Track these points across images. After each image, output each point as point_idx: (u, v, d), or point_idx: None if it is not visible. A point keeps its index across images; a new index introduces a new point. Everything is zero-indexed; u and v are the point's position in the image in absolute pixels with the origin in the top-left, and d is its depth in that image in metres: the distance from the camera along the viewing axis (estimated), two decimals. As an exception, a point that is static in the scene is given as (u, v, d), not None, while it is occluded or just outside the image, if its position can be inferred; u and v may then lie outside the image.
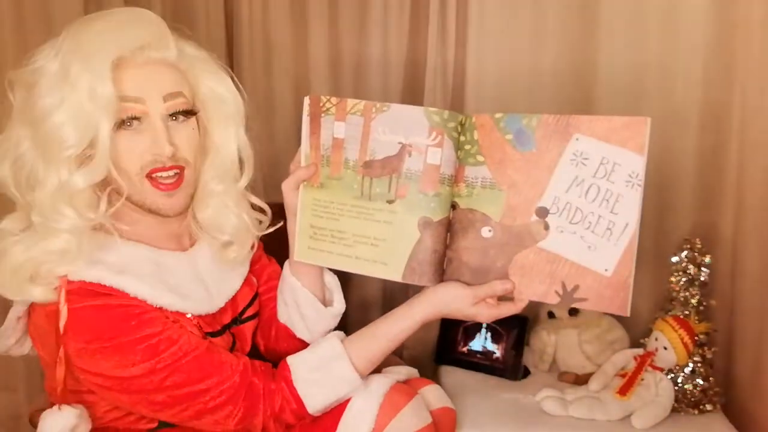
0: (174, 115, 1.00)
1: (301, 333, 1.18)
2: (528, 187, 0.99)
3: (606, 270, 0.96)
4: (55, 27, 1.67)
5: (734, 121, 1.62)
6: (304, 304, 1.16)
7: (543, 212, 0.99)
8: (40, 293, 0.96)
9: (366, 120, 1.04)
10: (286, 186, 1.11)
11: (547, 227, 0.99)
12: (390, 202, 1.04)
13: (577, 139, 0.97)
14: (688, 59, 1.69)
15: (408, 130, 1.01)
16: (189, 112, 1.03)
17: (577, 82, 1.79)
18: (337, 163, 1.07)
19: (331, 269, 1.19)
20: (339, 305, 1.19)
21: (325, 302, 1.19)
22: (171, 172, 1.00)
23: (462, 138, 1.02)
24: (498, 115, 1.01)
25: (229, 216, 1.12)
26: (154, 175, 0.99)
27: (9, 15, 1.66)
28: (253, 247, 1.18)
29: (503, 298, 1.04)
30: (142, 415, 1.06)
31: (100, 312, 0.96)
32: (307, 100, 1.08)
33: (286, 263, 1.19)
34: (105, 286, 0.97)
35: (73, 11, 1.71)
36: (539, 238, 0.99)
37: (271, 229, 1.16)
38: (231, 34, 2.02)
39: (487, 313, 1.03)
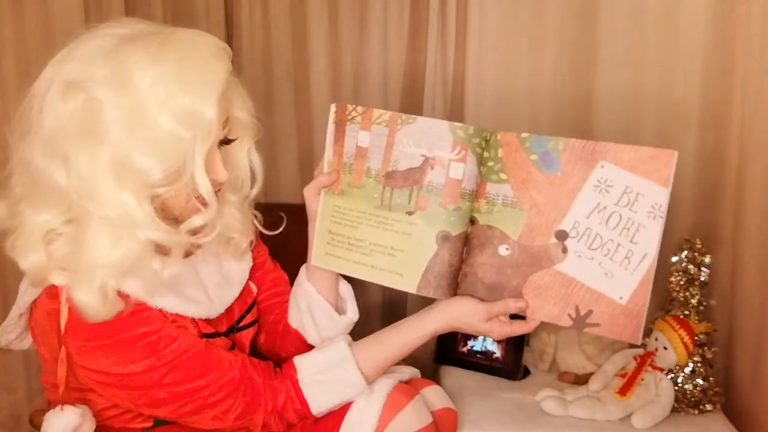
0: (221, 141, 1.02)
1: (312, 339, 1.18)
2: (549, 210, 0.99)
3: (621, 298, 0.96)
4: (55, 28, 1.69)
5: (734, 121, 1.62)
6: (317, 311, 1.16)
7: (562, 235, 0.99)
8: (112, 301, 0.94)
9: (391, 131, 1.04)
10: (308, 191, 1.12)
11: (565, 250, 0.99)
12: (410, 213, 1.04)
13: (602, 167, 0.97)
14: (688, 59, 1.69)
15: (432, 143, 1.02)
16: (231, 141, 1.04)
17: (577, 84, 1.79)
18: (358, 172, 1.07)
19: (343, 278, 1.19)
20: (352, 314, 1.19)
21: (338, 310, 1.19)
22: None
23: (486, 154, 1.02)
24: (524, 135, 1.01)
25: (236, 214, 1.13)
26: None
27: (9, 15, 1.66)
28: (251, 243, 1.19)
29: (515, 317, 1.04)
30: (138, 414, 1.06)
31: None
32: (333, 108, 1.09)
33: (303, 268, 1.19)
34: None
35: (73, 12, 1.71)
36: (557, 260, 0.99)
37: (279, 230, 1.17)
38: (231, 34, 2.02)
39: (499, 330, 1.04)
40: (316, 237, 1.12)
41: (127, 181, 0.92)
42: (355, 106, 1.07)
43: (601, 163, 0.97)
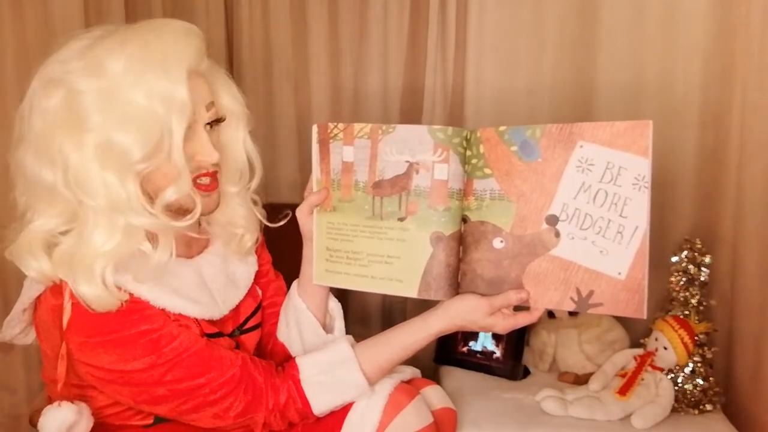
0: (210, 123, 1.03)
1: (296, 354, 1.19)
2: (536, 197, 1.00)
3: (619, 273, 0.96)
4: (55, 27, 1.68)
5: (734, 121, 1.62)
6: (306, 327, 1.17)
7: (553, 220, 0.99)
8: (113, 296, 0.95)
9: (373, 142, 1.06)
10: (300, 212, 1.13)
11: (558, 235, 0.99)
12: (401, 219, 1.05)
13: (581, 146, 0.97)
14: (688, 59, 1.69)
15: (414, 148, 1.03)
16: (219, 120, 1.06)
17: (577, 84, 1.80)
18: (347, 186, 1.09)
19: (336, 292, 1.20)
20: (339, 333, 1.20)
21: (326, 328, 1.20)
22: (209, 179, 1.03)
23: (468, 152, 1.03)
24: (502, 128, 1.02)
25: (240, 209, 1.15)
26: (197, 180, 1.02)
27: (9, 15, 1.65)
28: (257, 240, 1.20)
29: (519, 308, 1.04)
30: (138, 411, 1.07)
31: None
32: (315, 128, 1.11)
33: (294, 283, 1.20)
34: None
35: (73, 11, 1.71)
36: (551, 245, 1.00)
37: (280, 223, 1.18)
38: (231, 34, 2.02)
39: (504, 323, 1.04)
40: (314, 256, 1.13)
41: (110, 162, 0.94)
42: (336, 123, 1.09)
43: (580, 143, 0.97)
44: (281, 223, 1.18)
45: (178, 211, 1.01)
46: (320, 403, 1.05)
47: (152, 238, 1.00)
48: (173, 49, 0.96)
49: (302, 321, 1.18)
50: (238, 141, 1.11)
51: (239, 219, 1.15)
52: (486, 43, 1.85)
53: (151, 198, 0.99)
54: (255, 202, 1.18)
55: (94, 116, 0.93)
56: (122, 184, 0.94)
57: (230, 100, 1.10)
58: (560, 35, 1.81)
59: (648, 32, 1.73)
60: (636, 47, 1.74)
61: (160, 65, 0.94)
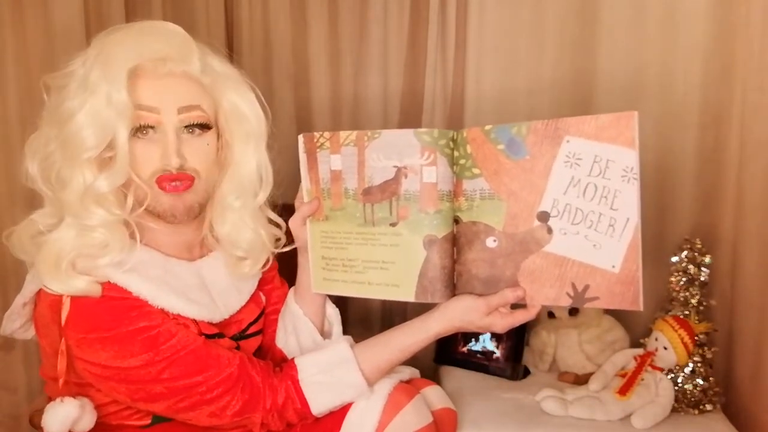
0: (189, 128, 1.03)
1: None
2: (526, 194, 1.00)
3: (613, 266, 0.96)
4: (55, 33, 1.69)
5: (734, 121, 1.62)
6: (303, 333, 1.18)
7: (544, 216, 0.99)
8: (84, 285, 0.97)
9: (360, 149, 1.06)
10: (293, 223, 1.14)
11: (550, 231, 0.99)
12: (393, 224, 1.05)
13: (567, 141, 0.97)
14: (688, 59, 1.69)
15: (401, 153, 1.03)
16: (204, 126, 1.05)
17: (577, 84, 1.80)
18: (337, 195, 1.09)
19: (334, 298, 1.21)
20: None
21: (323, 333, 1.20)
22: (178, 181, 1.02)
23: (456, 153, 1.03)
24: (488, 127, 1.02)
25: (245, 232, 1.13)
26: (161, 182, 1.02)
27: (9, 17, 1.66)
28: (267, 262, 1.19)
29: (516, 306, 1.04)
30: (136, 411, 1.07)
31: (101, 303, 0.98)
32: (301, 138, 1.11)
33: (291, 290, 1.21)
34: (110, 282, 0.99)
35: (73, 12, 1.71)
36: (544, 242, 1.00)
37: (288, 248, 1.18)
38: (231, 34, 2.02)
39: (502, 322, 1.04)
40: (311, 265, 1.13)
41: (69, 152, 0.98)
42: (321, 132, 1.09)
43: (566, 138, 0.97)
44: (288, 248, 1.17)
45: (135, 206, 1.02)
46: (319, 403, 1.05)
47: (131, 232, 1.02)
48: (116, 51, 0.99)
49: (299, 327, 1.18)
50: (245, 151, 1.10)
51: (242, 242, 1.13)
52: (486, 44, 1.85)
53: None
54: (277, 225, 1.17)
55: (66, 110, 0.98)
56: (81, 173, 0.98)
57: (234, 107, 1.09)
58: (560, 35, 1.81)
59: (648, 32, 1.73)
60: (636, 47, 1.74)
61: (103, 66, 0.98)
